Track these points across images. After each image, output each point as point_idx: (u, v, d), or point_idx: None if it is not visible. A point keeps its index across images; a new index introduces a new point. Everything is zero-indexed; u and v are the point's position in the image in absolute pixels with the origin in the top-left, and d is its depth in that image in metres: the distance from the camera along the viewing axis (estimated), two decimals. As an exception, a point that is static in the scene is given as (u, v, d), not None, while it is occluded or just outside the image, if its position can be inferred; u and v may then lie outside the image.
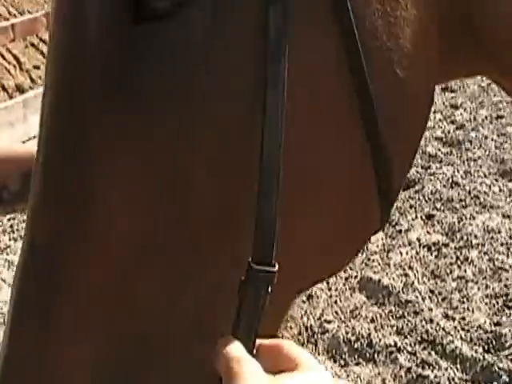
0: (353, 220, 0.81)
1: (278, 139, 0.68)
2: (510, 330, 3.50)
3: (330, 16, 0.71)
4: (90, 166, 0.71)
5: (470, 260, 4.04)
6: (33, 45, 6.41)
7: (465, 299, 3.73)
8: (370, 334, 3.45)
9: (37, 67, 6.23)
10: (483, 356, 3.35)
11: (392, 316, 3.59)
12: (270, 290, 0.70)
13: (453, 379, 3.22)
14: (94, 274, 0.72)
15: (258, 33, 0.69)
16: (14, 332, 0.75)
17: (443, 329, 3.51)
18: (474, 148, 5.31)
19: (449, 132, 5.57)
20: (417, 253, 4.09)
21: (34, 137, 5.17)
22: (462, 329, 3.53)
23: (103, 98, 0.70)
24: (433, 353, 3.38)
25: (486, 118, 5.84)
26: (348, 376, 3.22)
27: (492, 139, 5.45)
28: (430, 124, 5.69)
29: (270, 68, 0.68)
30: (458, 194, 4.69)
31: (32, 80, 6.06)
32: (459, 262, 4.02)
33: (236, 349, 0.68)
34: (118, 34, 0.70)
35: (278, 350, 0.70)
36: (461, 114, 5.89)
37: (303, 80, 0.71)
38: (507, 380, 3.23)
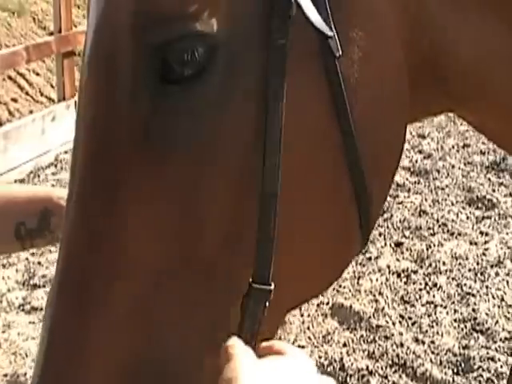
0: (341, 243, 0.95)
1: (276, 180, 0.83)
2: (478, 353, 3.61)
3: (322, 78, 0.85)
4: (117, 199, 0.84)
5: (438, 286, 4.16)
6: (10, 78, 6.48)
7: (434, 323, 3.85)
8: (342, 359, 3.55)
9: (14, 100, 6.31)
10: (453, 378, 3.46)
11: (363, 340, 3.69)
12: (267, 303, 0.85)
13: (423, 401, 3.33)
14: (119, 295, 0.85)
15: (258, 93, 0.83)
16: (52, 340, 0.86)
17: (413, 352, 3.62)
18: (442, 177, 5.47)
19: (416, 161, 5.72)
20: (387, 279, 4.20)
21: (13, 169, 5.24)
22: (432, 352, 3.64)
23: (132, 141, 0.83)
24: (404, 376, 3.48)
25: (453, 147, 6.02)
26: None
27: (459, 168, 5.62)
28: (398, 154, 5.85)
29: (268, 121, 0.83)
30: (427, 221, 4.83)
31: (10, 113, 6.13)
32: (428, 288, 4.14)
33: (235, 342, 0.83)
34: (148, 92, 0.83)
35: (271, 346, 0.86)
36: (428, 143, 6.06)
37: (299, 134, 0.86)
38: (476, 401, 3.35)
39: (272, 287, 0.85)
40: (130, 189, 0.84)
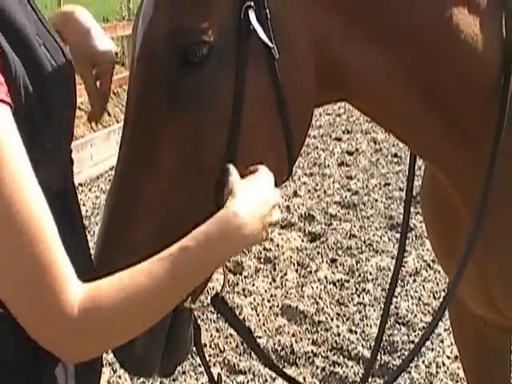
0: (278, 164, 1.54)
1: (240, 117, 1.44)
2: (400, 338, 4.42)
3: (266, 69, 1.46)
4: (156, 129, 1.43)
5: (367, 290, 4.97)
6: None
7: (364, 318, 4.64)
8: (292, 345, 4.31)
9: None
10: (380, 357, 4.23)
11: (308, 332, 4.46)
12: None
13: (357, 374, 4.11)
14: (154, 185, 1.42)
15: (233, 74, 1.43)
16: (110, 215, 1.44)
17: (348, 339, 4.40)
18: (367, 208, 6.37)
19: (346, 197, 6.62)
20: (325, 287, 5.01)
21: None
22: (363, 339, 4.42)
23: (164, 99, 1.43)
24: (341, 356, 4.23)
25: (376, 185, 6.95)
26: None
27: (381, 202, 6.54)
28: (330, 191, 6.75)
29: (238, 91, 1.43)
30: (356, 243, 5.69)
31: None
32: (358, 292, 4.95)
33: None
34: (174, 71, 1.42)
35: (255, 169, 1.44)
36: (355, 183, 6.99)
37: (255, 104, 1.46)
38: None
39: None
40: (162, 125, 1.42)
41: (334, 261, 5.40)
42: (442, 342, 4.43)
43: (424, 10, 1.59)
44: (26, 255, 1.10)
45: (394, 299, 4.86)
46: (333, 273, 5.24)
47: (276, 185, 1.57)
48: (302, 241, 5.76)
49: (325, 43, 1.53)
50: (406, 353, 4.29)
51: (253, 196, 1.36)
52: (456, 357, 4.32)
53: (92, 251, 1.45)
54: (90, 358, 1.21)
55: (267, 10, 1.44)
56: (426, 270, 5.28)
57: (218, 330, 4.42)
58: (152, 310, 1.23)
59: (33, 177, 1.13)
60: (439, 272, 5.27)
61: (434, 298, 4.95)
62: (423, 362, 4.23)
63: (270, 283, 5.03)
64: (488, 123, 1.68)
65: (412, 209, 6.65)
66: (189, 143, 1.44)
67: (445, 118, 1.69)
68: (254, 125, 1.46)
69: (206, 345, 4.30)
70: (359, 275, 5.19)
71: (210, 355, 4.22)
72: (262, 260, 5.39)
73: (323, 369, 4.14)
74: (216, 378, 1.66)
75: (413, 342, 4.40)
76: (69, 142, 1.37)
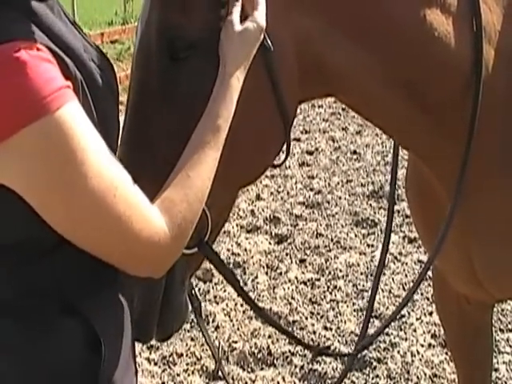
0: (273, 147, 1.67)
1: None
2: (374, 331, 4.48)
3: (261, 59, 1.54)
4: (151, 119, 1.52)
5: (338, 287, 5.03)
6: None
7: (338, 315, 4.70)
8: (268, 347, 4.34)
9: None
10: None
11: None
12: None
13: (336, 369, 4.16)
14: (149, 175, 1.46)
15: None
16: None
17: (324, 336, 4.45)
18: (331, 206, 6.43)
19: (309, 197, 6.68)
20: (296, 287, 5.06)
21: None
22: (339, 335, 4.47)
23: (156, 87, 1.53)
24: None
25: (338, 183, 7.02)
26: (256, 376, 4.10)
27: (345, 198, 6.60)
28: (293, 192, 6.80)
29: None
30: (323, 241, 5.74)
31: None
32: (330, 290, 5.01)
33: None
34: (165, 64, 1.52)
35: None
36: (317, 182, 7.05)
37: (250, 91, 1.52)
38: (376, 365, 4.20)
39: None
40: (156, 116, 1.52)
41: (303, 261, 5.44)
42: (414, 331, 4.51)
43: (400, 10, 1.69)
44: (108, 214, 1.22)
45: (366, 293, 4.92)
46: (303, 273, 5.28)
47: (277, 166, 1.77)
48: (270, 243, 5.79)
49: (307, 43, 1.63)
50: (381, 345, 4.37)
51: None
52: (429, 344, 4.39)
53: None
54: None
55: None
56: (394, 263, 5.35)
57: (192, 339, 4.42)
58: (211, 176, 1.41)
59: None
60: (406, 264, 5.35)
61: (404, 289, 5.02)
62: (398, 352, 4.29)
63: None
64: (463, 113, 1.80)
65: (375, 204, 6.72)
66: (180, 134, 1.48)
67: (423, 110, 1.78)
68: (247, 110, 1.53)
69: (182, 354, 4.31)
70: (329, 273, 5.24)
71: (187, 364, 4.23)
72: (230, 265, 5.40)
73: (302, 367, 4.18)
74: (218, 350, 1.79)
75: (387, 333, 4.46)
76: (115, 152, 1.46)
